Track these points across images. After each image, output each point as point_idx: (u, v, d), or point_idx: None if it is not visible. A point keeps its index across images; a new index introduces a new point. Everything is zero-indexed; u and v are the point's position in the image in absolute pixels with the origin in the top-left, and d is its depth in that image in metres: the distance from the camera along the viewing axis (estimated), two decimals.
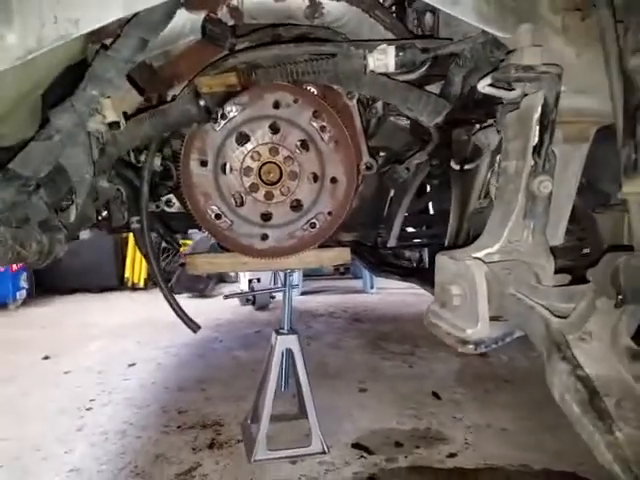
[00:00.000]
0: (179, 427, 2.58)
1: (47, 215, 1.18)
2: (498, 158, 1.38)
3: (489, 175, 1.76)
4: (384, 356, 3.64)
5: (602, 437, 0.73)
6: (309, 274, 6.82)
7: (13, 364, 3.67)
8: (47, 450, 2.38)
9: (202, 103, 1.33)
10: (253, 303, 5.54)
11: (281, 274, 6.29)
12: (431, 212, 3.31)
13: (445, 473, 2.09)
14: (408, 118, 1.88)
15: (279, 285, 5.79)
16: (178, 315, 1.66)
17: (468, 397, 2.85)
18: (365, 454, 2.26)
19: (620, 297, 0.75)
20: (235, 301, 5.76)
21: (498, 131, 1.42)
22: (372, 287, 6.19)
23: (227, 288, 6.73)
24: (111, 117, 1.10)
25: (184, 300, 5.32)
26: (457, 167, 1.80)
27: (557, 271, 1.15)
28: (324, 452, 2.26)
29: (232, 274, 7.08)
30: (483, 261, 1.07)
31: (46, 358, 3.80)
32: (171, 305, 1.64)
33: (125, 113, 1.16)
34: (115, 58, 0.96)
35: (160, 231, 1.92)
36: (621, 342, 0.81)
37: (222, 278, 7.12)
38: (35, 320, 5.19)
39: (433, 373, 3.27)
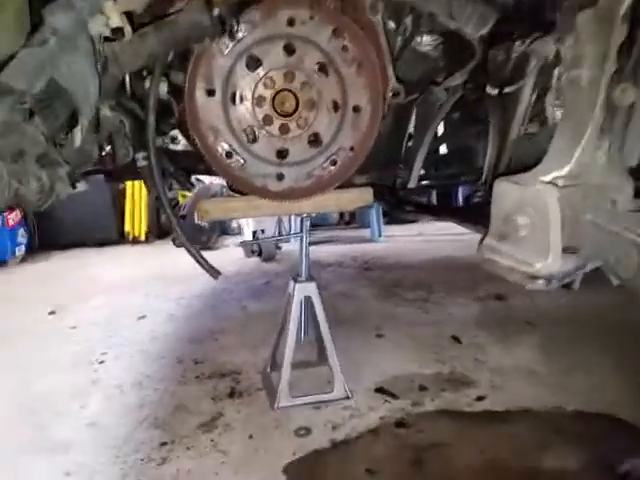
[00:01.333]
0: (197, 377, 2.51)
1: (44, 148, 1.02)
2: (557, 72, 1.22)
3: (533, 98, 1.60)
4: (398, 303, 3.56)
5: None
6: (314, 224, 6.67)
7: (19, 320, 3.59)
8: (62, 405, 2.31)
9: (215, 13, 1.15)
10: (259, 254, 5.43)
11: (286, 224, 6.22)
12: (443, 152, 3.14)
13: (475, 416, 2.03)
14: (443, 34, 1.68)
15: (283, 234, 5.74)
16: (197, 261, 1.53)
17: (490, 340, 2.77)
18: (390, 399, 2.20)
19: None
20: (240, 253, 5.66)
21: (558, 40, 1.25)
22: (380, 235, 6.06)
23: (230, 240, 6.62)
24: (115, 21, 0.92)
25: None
26: (495, 91, 1.63)
27: None
28: (347, 397, 2.19)
29: (234, 225, 6.94)
30: (555, 185, 0.93)
31: (52, 313, 3.71)
32: (189, 251, 1.50)
33: (131, 17, 0.98)
34: None
35: (170, 169, 1.76)
36: None
37: (224, 230, 6.99)
38: (36, 276, 5.09)
39: (451, 318, 3.19)
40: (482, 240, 1.09)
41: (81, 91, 0.88)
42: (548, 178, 0.96)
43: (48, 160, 1.03)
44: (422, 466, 1.74)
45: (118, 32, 0.95)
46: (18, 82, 0.81)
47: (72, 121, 1.06)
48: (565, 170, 0.96)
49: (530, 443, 1.83)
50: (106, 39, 0.94)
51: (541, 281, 0.91)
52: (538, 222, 0.92)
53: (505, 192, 1.00)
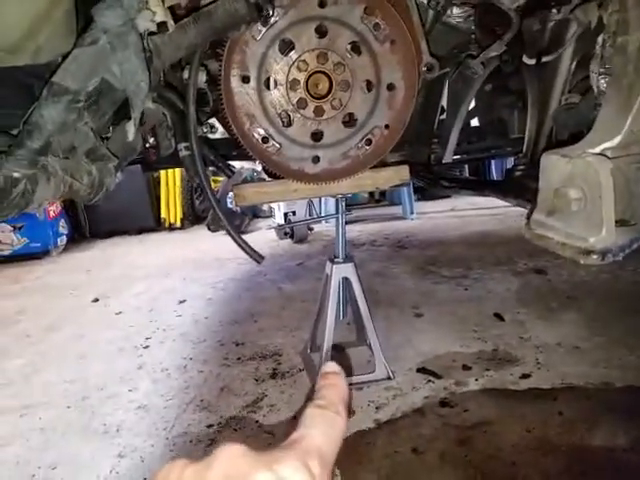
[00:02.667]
0: (239, 359, 2.57)
1: (94, 143, 1.05)
2: (600, 39, 1.18)
3: (573, 66, 1.55)
4: (436, 280, 3.54)
5: None
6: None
7: (64, 308, 3.73)
8: (111, 389, 2.40)
9: None
10: (292, 236, 5.47)
11: (316, 205, 6.23)
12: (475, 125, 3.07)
13: (521, 394, 2.01)
14: (474, 7, 1.64)
15: (314, 215, 5.76)
16: (240, 246, 1.55)
17: (532, 316, 2.74)
18: (432, 379, 2.20)
19: None
20: (273, 235, 5.72)
21: (599, 5, 1.20)
22: (412, 212, 6.01)
23: (262, 223, 6.68)
24: (160, 16, 0.93)
25: (222, 237, 5.28)
26: (532, 62, 1.59)
27: None
28: (389, 378, 2.21)
29: (265, 208, 7.00)
30: (607, 157, 0.90)
31: (95, 301, 3.84)
32: (232, 237, 1.53)
33: (174, 10, 0.99)
34: None
35: (211, 157, 1.78)
36: None
37: (256, 213, 7.07)
38: (79, 265, 5.25)
39: (491, 294, 3.15)
40: (529, 215, 1.07)
41: (132, 87, 0.90)
42: (598, 149, 0.93)
43: (98, 155, 1.06)
44: (468, 445, 1.75)
45: (162, 26, 0.96)
46: (72, 82, 0.83)
47: (117, 117, 1.09)
48: (616, 140, 0.93)
49: (577, 420, 1.81)
50: (149, 33, 0.95)
51: (595, 256, 0.89)
52: (590, 195, 0.89)
53: (554, 165, 0.97)
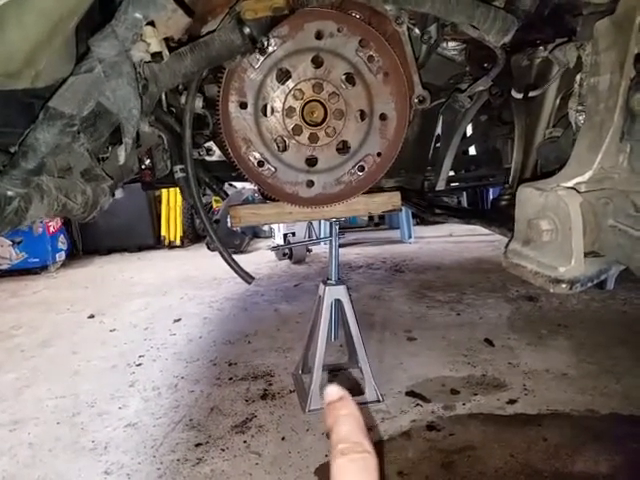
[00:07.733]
0: (230, 379, 2.58)
1: (89, 163, 1.10)
2: (578, 77, 1.23)
3: (557, 101, 1.61)
4: (430, 305, 3.56)
5: None
6: (343, 226, 6.73)
7: (60, 324, 3.75)
8: (102, 406, 2.41)
9: (247, 31, 1.20)
10: (290, 257, 5.51)
11: (316, 227, 6.27)
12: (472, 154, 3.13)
13: (507, 419, 2.02)
14: (465, 42, 1.71)
15: (313, 237, 5.80)
16: (231, 267, 1.59)
17: (522, 343, 2.76)
18: (421, 402, 2.21)
19: None
20: (272, 255, 5.76)
21: (578, 47, 1.26)
22: (410, 237, 6.05)
23: (262, 243, 6.72)
24: (154, 46, 0.98)
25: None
26: (519, 95, 1.64)
27: None
28: (379, 401, 2.22)
29: (265, 229, 7.06)
30: (577, 191, 0.94)
31: (91, 317, 3.86)
32: (224, 257, 1.56)
33: (169, 41, 1.05)
34: None
35: (205, 180, 1.83)
36: None
37: (256, 233, 7.12)
38: (76, 281, 5.29)
39: (483, 320, 3.17)
40: (508, 244, 1.11)
41: (124, 113, 0.95)
42: (570, 183, 0.97)
43: (92, 175, 1.11)
44: (453, 469, 1.75)
45: (156, 56, 1.01)
46: (68, 107, 0.88)
47: (114, 138, 1.14)
48: (587, 175, 0.97)
49: (561, 447, 1.82)
50: (147, 62, 1.01)
51: (564, 285, 0.92)
52: (560, 227, 0.93)
53: (528, 198, 1.02)
